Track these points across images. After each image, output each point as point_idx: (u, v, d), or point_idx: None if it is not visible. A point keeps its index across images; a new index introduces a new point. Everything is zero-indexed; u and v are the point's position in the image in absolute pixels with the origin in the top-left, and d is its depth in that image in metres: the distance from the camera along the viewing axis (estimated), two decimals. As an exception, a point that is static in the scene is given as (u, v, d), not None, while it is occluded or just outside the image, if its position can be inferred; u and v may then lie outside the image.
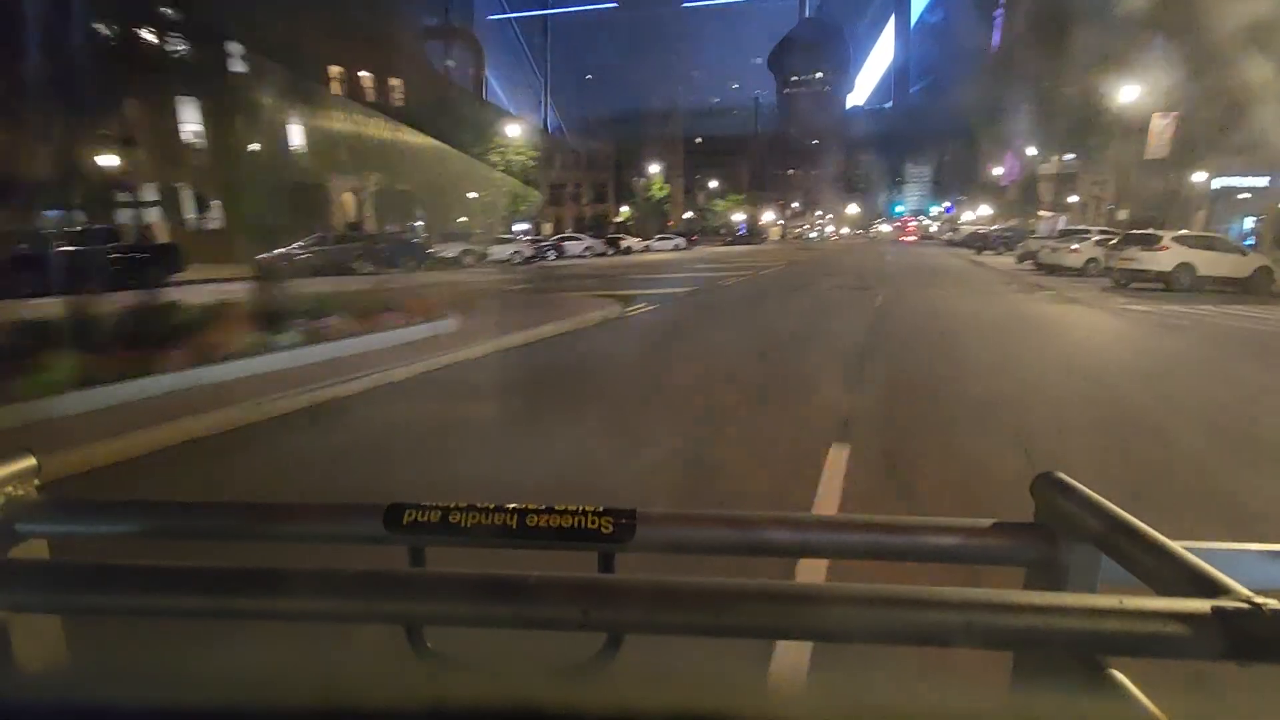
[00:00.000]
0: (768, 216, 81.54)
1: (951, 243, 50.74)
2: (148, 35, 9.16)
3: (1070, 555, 0.53)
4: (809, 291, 15.88)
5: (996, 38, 54.31)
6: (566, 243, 36.84)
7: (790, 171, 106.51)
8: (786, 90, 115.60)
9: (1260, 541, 0.53)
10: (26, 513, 0.57)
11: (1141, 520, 0.49)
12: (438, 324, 8.31)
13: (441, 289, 12.25)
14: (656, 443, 4.42)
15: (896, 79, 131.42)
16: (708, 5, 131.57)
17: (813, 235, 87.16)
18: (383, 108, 31.75)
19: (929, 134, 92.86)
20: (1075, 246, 19.76)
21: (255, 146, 10.82)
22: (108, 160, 17.85)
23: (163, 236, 21.14)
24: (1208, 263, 14.75)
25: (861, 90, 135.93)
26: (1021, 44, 38.66)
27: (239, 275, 9.20)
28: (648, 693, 0.40)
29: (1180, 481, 3.79)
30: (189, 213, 25.85)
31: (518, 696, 0.39)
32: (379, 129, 28.51)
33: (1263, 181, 23.20)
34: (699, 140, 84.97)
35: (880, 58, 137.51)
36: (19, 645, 0.53)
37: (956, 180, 75.84)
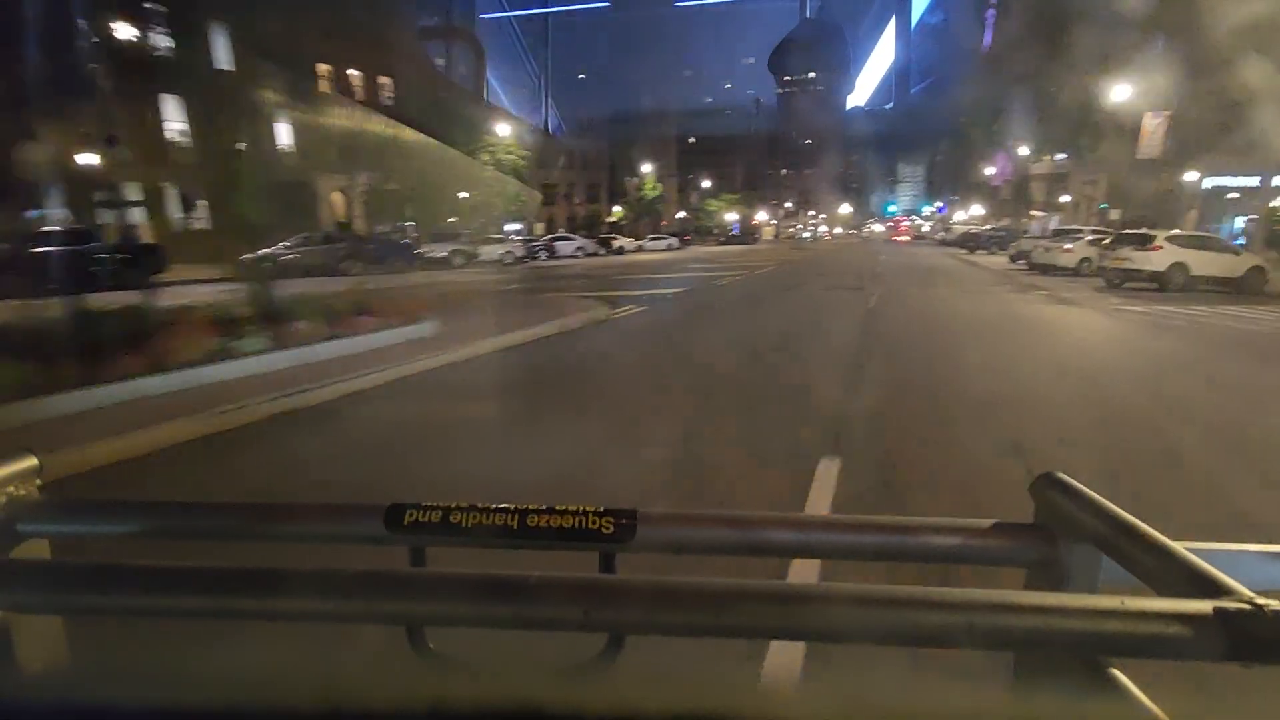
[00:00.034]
0: (761, 216, 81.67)
1: (944, 243, 50.93)
2: (131, 31, 8.93)
3: (1071, 556, 0.52)
4: (801, 292, 15.72)
5: (988, 37, 54.50)
6: (558, 243, 36.74)
7: (784, 171, 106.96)
8: (784, 90, 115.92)
9: (1260, 542, 0.52)
10: (28, 513, 0.56)
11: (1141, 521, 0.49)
12: (415, 328, 8.02)
13: (426, 290, 12.02)
14: (627, 460, 4.12)
15: (897, 80, 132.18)
16: (700, 6, 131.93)
17: (806, 235, 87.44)
18: (373, 105, 31.56)
19: (924, 134, 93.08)
20: (1069, 246, 19.68)
21: (242, 145, 10.58)
22: (88, 159, 17.56)
23: (147, 237, 20.79)
24: (1201, 263, 14.72)
25: (862, 91, 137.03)
26: (1012, 43, 38.80)
27: (222, 276, 8.90)
28: (648, 693, 0.39)
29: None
30: (175, 212, 25.53)
31: (519, 697, 0.39)
32: (369, 127, 28.29)
33: (1253, 181, 23.31)
34: (692, 140, 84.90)
35: (881, 59, 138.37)
36: (20, 645, 0.53)
37: (949, 180, 76.09)
